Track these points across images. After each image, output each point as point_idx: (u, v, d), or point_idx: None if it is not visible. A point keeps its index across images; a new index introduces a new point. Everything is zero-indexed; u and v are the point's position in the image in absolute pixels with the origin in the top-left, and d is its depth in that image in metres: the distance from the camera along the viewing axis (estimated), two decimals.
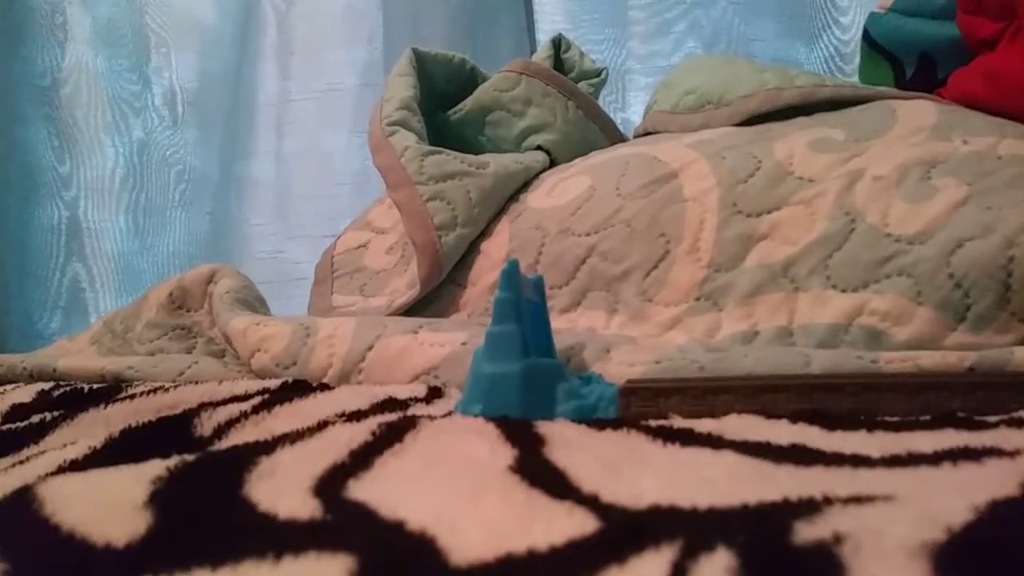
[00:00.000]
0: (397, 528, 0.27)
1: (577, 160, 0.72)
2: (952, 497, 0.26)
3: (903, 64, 0.74)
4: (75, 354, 0.70)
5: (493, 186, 0.68)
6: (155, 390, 0.49)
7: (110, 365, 0.59)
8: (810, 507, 0.26)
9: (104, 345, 0.72)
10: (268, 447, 0.35)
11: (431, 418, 0.38)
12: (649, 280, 0.59)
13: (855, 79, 0.85)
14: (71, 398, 0.52)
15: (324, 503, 0.29)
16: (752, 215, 0.58)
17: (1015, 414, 0.37)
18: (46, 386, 0.55)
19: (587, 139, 0.76)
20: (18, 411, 0.51)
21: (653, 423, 0.37)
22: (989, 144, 0.56)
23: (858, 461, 0.31)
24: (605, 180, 0.65)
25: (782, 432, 0.35)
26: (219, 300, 0.65)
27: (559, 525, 0.26)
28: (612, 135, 0.79)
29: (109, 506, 0.30)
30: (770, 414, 0.37)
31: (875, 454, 0.32)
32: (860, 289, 0.52)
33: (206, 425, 0.43)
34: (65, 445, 0.41)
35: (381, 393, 0.47)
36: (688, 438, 0.35)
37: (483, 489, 0.29)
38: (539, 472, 0.31)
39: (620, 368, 0.48)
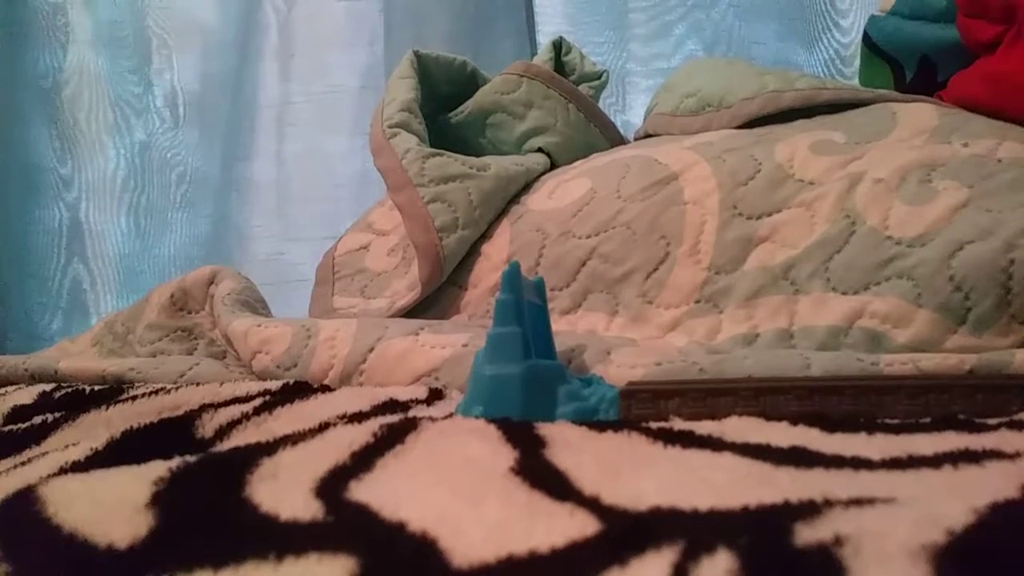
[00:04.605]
0: (399, 529, 0.27)
1: (578, 162, 0.72)
2: (953, 499, 0.26)
3: (903, 67, 0.74)
4: (76, 355, 0.70)
5: (494, 188, 0.68)
6: (156, 391, 0.49)
7: (111, 366, 0.59)
8: (811, 509, 0.26)
9: (105, 346, 0.72)
10: (270, 448, 0.35)
11: (432, 420, 0.38)
12: (650, 282, 0.59)
13: (855, 82, 0.85)
14: (72, 399, 0.52)
15: (326, 504, 0.29)
16: (752, 217, 0.58)
17: (1015, 416, 0.37)
18: (47, 387, 0.55)
19: (588, 141, 0.77)
20: (20, 412, 0.51)
21: (654, 425, 0.37)
22: (989, 147, 0.56)
23: (858, 463, 0.31)
24: (606, 182, 0.65)
25: (782, 434, 0.35)
26: (220, 302, 0.65)
27: (560, 527, 0.26)
28: (612, 137, 0.79)
29: (111, 507, 0.30)
30: (770, 416, 0.37)
31: (875, 456, 0.32)
32: (860, 291, 0.52)
33: (207, 426, 0.43)
34: (67, 446, 0.41)
35: (382, 395, 0.47)
36: (689, 440, 0.35)
37: (484, 491, 0.29)
38: (540, 474, 0.31)
39: (621, 370, 0.48)
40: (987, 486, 0.27)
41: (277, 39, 1.27)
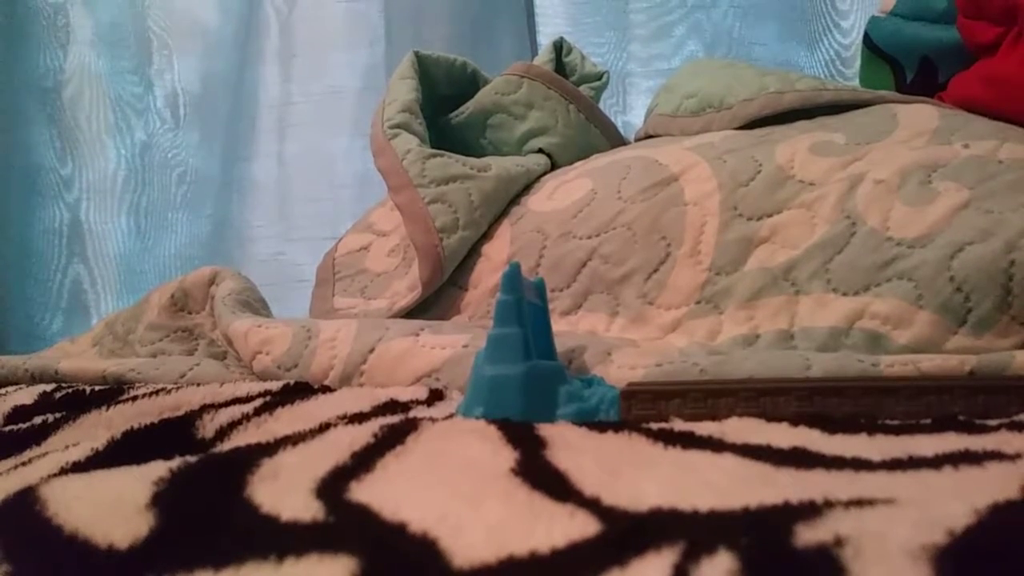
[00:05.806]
0: (399, 530, 0.27)
1: (578, 163, 0.72)
2: (953, 500, 0.26)
3: (904, 68, 0.75)
4: (77, 356, 0.70)
5: (494, 189, 0.68)
6: (157, 392, 0.49)
7: (112, 367, 0.59)
8: (811, 510, 0.26)
9: (105, 347, 0.72)
10: (270, 449, 0.35)
11: (432, 420, 0.38)
12: (650, 283, 0.59)
13: (856, 83, 0.86)
14: (73, 400, 0.52)
15: (326, 505, 0.29)
16: (753, 218, 0.58)
17: (1015, 418, 0.37)
18: (48, 388, 0.55)
19: (588, 142, 0.77)
20: (20, 413, 0.51)
21: (654, 426, 0.37)
22: (990, 148, 0.56)
23: (859, 464, 0.31)
24: (606, 183, 0.65)
25: (783, 435, 0.35)
26: (220, 302, 0.65)
27: (561, 527, 0.26)
28: (613, 138, 0.79)
29: (111, 507, 0.30)
30: (771, 417, 0.37)
31: (876, 457, 0.32)
32: (861, 292, 0.52)
33: (208, 427, 0.43)
34: (67, 447, 0.41)
35: (382, 395, 0.47)
36: (689, 441, 0.35)
37: (485, 491, 0.29)
38: (540, 474, 0.31)
39: (621, 371, 0.48)
40: (988, 487, 0.27)
41: (278, 39, 1.27)
